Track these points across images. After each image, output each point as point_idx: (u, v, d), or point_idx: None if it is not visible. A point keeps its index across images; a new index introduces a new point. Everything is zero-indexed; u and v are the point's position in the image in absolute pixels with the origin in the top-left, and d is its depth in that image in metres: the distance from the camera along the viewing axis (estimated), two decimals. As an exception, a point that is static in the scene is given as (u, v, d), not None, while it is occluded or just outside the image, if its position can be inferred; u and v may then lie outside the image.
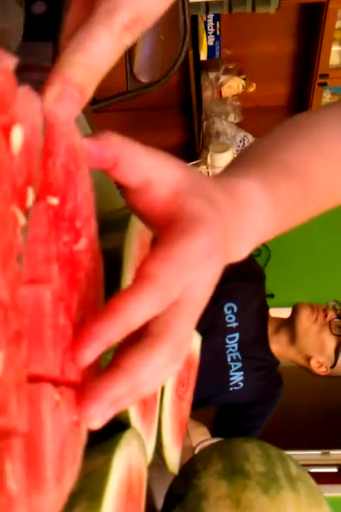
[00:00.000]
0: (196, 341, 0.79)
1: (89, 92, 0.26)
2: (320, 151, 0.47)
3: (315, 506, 0.62)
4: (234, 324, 1.55)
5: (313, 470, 2.93)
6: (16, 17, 0.37)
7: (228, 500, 0.59)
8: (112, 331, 0.28)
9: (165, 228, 0.32)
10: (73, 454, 0.29)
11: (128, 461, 0.46)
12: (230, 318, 1.55)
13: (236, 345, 1.55)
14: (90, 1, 0.26)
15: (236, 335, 1.55)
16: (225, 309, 1.55)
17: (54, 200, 0.27)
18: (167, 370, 0.31)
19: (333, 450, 3.22)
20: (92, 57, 0.25)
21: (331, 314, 1.51)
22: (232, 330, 1.55)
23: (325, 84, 2.39)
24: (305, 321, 1.51)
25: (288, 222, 0.45)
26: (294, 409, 3.05)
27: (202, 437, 1.23)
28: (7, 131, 0.23)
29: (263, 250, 2.76)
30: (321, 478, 1.57)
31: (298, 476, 0.64)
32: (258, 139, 0.49)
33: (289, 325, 1.56)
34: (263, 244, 2.73)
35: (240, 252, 0.39)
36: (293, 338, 1.54)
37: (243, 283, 1.57)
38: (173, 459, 0.69)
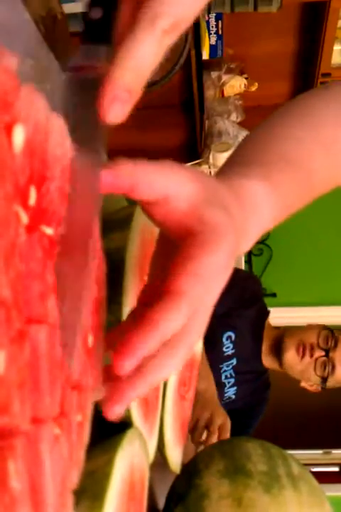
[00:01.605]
0: (198, 343, 0.79)
1: (138, 92, 0.30)
2: (319, 140, 0.47)
3: (316, 505, 0.61)
4: (231, 352, 1.56)
5: (315, 469, 2.93)
6: (57, 77, 0.39)
7: (230, 499, 0.59)
8: (150, 343, 0.31)
9: (183, 238, 0.34)
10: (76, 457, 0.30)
11: (130, 460, 0.46)
12: (228, 347, 1.56)
13: (231, 368, 1.57)
14: (137, 8, 0.29)
15: (233, 360, 1.57)
16: (224, 339, 1.55)
17: (48, 230, 0.27)
18: (178, 367, 0.34)
19: (335, 449, 3.22)
20: (139, 61, 0.29)
21: (318, 353, 1.49)
22: (229, 357, 1.56)
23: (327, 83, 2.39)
24: (290, 360, 1.52)
25: (288, 212, 0.46)
26: (295, 408, 3.05)
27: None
28: (9, 130, 0.23)
29: (265, 250, 2.75)
30: (322, 478, 1.57)
31: (300, 475, 0.64)
32: (258, 128, 0.49)
33: (277, 354, 1.56)
34: (265, 244, 2.73)
35: (244, 249, 0.40)
36: (280, 366, 1.56)
37: (242, 310, 1.57)
38: (175, 458, 0.69)
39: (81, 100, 0.30)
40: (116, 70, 0.29)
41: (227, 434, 1.15)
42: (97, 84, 0.29)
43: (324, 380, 1.49)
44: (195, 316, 0.34)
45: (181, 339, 0.33)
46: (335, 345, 1.49)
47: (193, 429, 1.14)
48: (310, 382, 1.55)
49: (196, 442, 1.14)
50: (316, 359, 1.49)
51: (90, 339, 0.34)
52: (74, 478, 0.30)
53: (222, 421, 1.16)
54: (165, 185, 0.33)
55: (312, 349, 1.50)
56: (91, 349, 0.34)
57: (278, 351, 1.56)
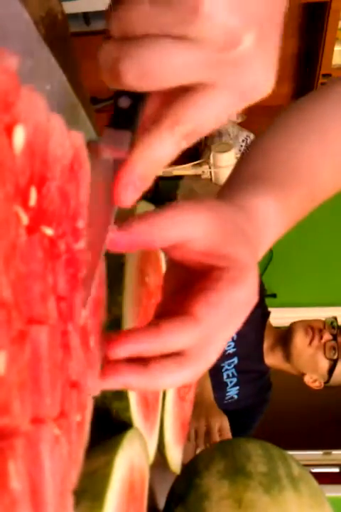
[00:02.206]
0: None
1: (150, 181, 0.32)
2: (324, 149, 0.47)
3: (317, 506, 0.61)
4: (232, 350, 1.56)
5: (315, 470, 2.93)
6: (57, 78, 0.40)
7: (230, 500, 0.59)
8: (151, 344, 0.32)
9: (205, 273, 0.35)
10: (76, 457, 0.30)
11: (130, 461, 0.46)
12: (229, 345, 1.56)
13: (233, 366, 1.57)
14: (164, 104, 0.32)
15: (235, 359, 1.57)
16: None
17: (48, 231, 0.27)
18: (181, 382, 0.34)
19: (335, 450, 3.22)
20: (156, 157, 0.31)
21: (326, 336, 1.50)
22: (230, 356, 1.56)
23: (327, 84, 2.39)
24: (300, 343, 1.52)
25: (293, 223, 0.46)
26: (296, 409, 3.05)
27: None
28: (10, 130, 0.23)
29: (266, 250, 2.74)
30: (323, 479, 1.57)
31: (300, 476, 0.64)
32: (262, 139, 0.49)
33: (284, 344, 1.56)
34: (266, 244, 2.72)
35: (262, 251, 0.42)
36: (287, 357, 1.56)
37: None
38: (175, 458, 0.69)
39: (95, 177, 0.32)
40: (135, 159, 0.31)
41: (228, 435, 1.15)
42: (115, 166, 0.32)
43: (333, 365, 1.49)
44: (209, 344, 0.34)
45: (188, 361, 0.34)
46: None
47: (195, 440, 1.15)
48: (315, 375, 1.54)
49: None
50: (325, 343, 1.49)
51: (92, 340, 0.34)
52: (73, 479, 0.30)
53: (220, 423, 1.16)
54: (180, 232, 0.34)
55: (320, 331, 1.51)
56: (92, 350, 0.34)
57: (285, 341, 1.55)
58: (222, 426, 1.16)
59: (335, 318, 1.55)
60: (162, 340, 0.32)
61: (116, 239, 0.32)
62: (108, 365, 0.32)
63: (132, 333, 0.32)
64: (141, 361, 0.33)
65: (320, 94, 0.53)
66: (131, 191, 0.31)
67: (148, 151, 0.31)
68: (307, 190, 0.45)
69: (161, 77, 0.29)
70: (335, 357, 1.49)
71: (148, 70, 0.28)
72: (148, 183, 0.32)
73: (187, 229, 0.34)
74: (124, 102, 0.32)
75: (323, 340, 1.50)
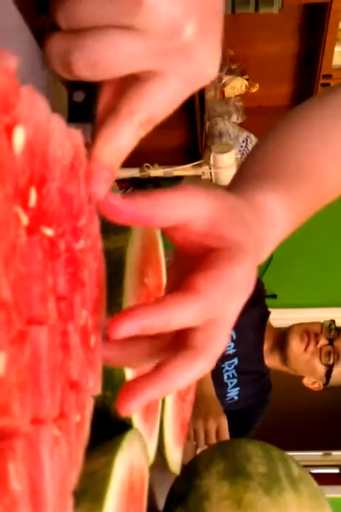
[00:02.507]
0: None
1: (117, 170, 0.34)
2: (328, 151, 0.48)
3: (316, 507, 0.61)
4: (232, 351, 1.56)
5: (315, 471, 2.93)
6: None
7: (230, 500, 0.59)
8: (152, 320, 0.31)
9: (203, 256, 0.35)
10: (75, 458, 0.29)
11: (130, 461, 0.46)
12: (229, 345, 1.55)
13: (233, 367, 1.57)
14: (117, 94, 0.33)
15: (235, 360, 1.56)
16: None
17: (48, 231, 0.27)
18: (199, 374, 0.34)
19: (334, 451, 3.22)
20: (118, 146, 0.33)
21: (322, 341, 1.49)
22: (230, 356, 1.56)
23: (328, 84, 2.39)
24: (295, 349, 1.51)
25: (300, 222, 0.47)
26: (296, 410, 3.05)
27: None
28: (10, 131, 0.23)
29: (266, 251, 2.74)
30: (322, 479, 1.57)
31: (300, 477, 0.64)
32: (266, 140, 0.50)
33: (281, 348, 1.56)
34: (266, 245, 2.72)
35: (262, 260, 0.41)
36: (284, 361, 1.56)
37: (244, 309, 1.56)
38: (175, 459, 0.69)
39: None
40: (99, 152, 0.33)
41: (225, 436, 1.15)
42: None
43: (329, 370, 1.49)
44: (215, 328, 0.34)
45: (201, 352, 0.33)
46: (339, 335, 1.50)
47: (194, 440, 1.14)
48: (313, 378, 1.55)
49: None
50: (321, 348, 1.49)
51: (92, 339, 0.34)
52: (73, 480, 0.30)
53: (217, 424, 1.16)
54: (181, 212, 0.34)
55: (316, 336, 1.50)
56: (92, 349, 0.34)
57: (281, 345, 1.55)
58: (219, 427, 1.16)
59: (333, 321, 1.54)
60: (165, 314, 0.31)
61: (119, 207, 0.32)
62: (126, 391, 0.32)
63: (134, 310, 0.31)
64: (152, 371, 0.32)
65: (319, 98, 0.54)
66: (103, 183, 0.33)
67: (110, 143, 0.33)
68: (313, 189, 0.46)
69: (111, 66, 0.30)
70: (331, 362, 1.48)
71: (97, 59, 0.30)
72: (115, 174, 0.34)
73: (188, 209, 0.34)
74: (79, 96, 0.33)
75: (319, 346, 1.49)
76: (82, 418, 0.33)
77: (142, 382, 0.32)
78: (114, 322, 0.31)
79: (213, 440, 1.13)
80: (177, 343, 0.35)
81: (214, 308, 0.33)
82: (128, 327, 0.31)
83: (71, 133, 0.29)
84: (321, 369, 1.50)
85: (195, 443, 1.16)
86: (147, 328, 0.31)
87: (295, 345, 1.51)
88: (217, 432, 1.15)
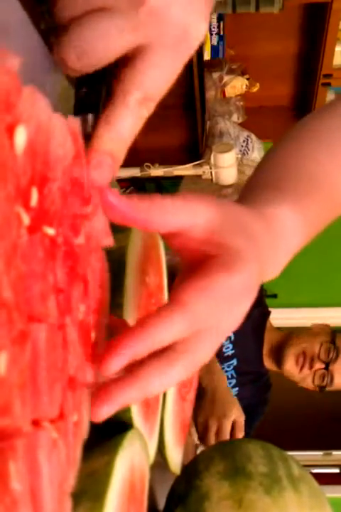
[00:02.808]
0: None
1: (121, 157, 0.33)
2: (336, 162, 0.48)
3: (317, 507, 0.61)
4: (231, 352, 1.56)
5: (315, 470, 2.93)
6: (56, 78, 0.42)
7: (230, 500, 0.59)
8: (140, 345, 0.31)
9: (200, 263, 0.34)
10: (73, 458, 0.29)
11: (130, 461, 0.46)
12: (227, 347, 1.55)
13: (232, 368, 1.57)
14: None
15: (234, 361, 1.56)
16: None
17: (50, 231, 0.27)
18: (175, 380, 0.33)
19: (335, 451, 3.22)
20: (118, 132, 0.32)
21: (317, 365, 1.48)
22: (229, 358, 1.56)
23: (328, 84, 2.38)
24: (289, 368, 1.52)
25: (313, 234, 0.47)
26: (296, 409, 3.05)
27: None
28: (11, 131, 0.23)
29: (266, 250, 2.74)
30: (323, 479, 1.57)
31: (300, 476, 0.64)
32: (275, 151, 0.50)
33: (277, 362, 1.56)
34: (266, 245, 2.72)
35: (272, 274, 0.41)
36: (281, 370, 1.56)
37: None
38: (175, 459, 0.69)
39: None
40: (98, 140, 0.32)
41: (241, 433, 1.13)
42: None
43: (321, 389, 1.50)
44: (200, 337, 0.33)
45: (179, 357, 0.33)
46: (336, 357, 1.48)
47: (203, 431, 1.13)
48: (309, 386, 1.56)
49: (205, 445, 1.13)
50: (315, 371, 1.48)
51: (93, 335, 0.34)
52: (71, 481, 0.30)
53: (236, 417, 1.14)
54: (179, 219, 0.34)
55: (312, 360, 1.49)
56: (93, 346, 0.34)
57: (277, 357, 1.56)
58: (237, 421, 1.14)
59: (334, 344, 1.51)
60: (149, 337, 0.31)
61: (117, 205, 0.32)
62: (98, 394, 0.31)
63: (118, 343, 0.30)
64: (127, 374, 0.32)
65: (325, 110, 0.54)
66: (104, 169, 0.32)
67: (109, 129, 0.32)
68: (325, 200, 0.46)
69: (98, 52, 0.31)
70: (324, 384, 1.48)
71: (84, 49, 0.30)
72: (119, 160, 0.33)
73: (186, 217, 0.34)
74: (82, 91, 0.34)
75: (313, 369, 1.49)
76: (80, 417, 0.33)
77: (115, 387, 0.31)
78: (103, 361, 0.30)
79: (227, 433, 1.12)
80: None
81: (201, 321, 0.33)
82: (116, 363, 0.30)
83: (68, 120, 0.29)
84: (314, 388, 1.51)
85: (197, 442, 1.15)
86: (135, 356, 0.31)
87: (290, 366, 1.51)
88: (232, 428, 1.13)
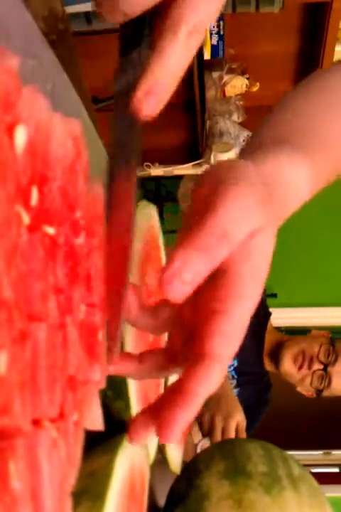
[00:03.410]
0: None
1: (171, 90, 0.33)
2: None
3: (317, 506, 0.61)
4: None
5: (315, 470, 2.93)
6: (58, 78, 0.41)
7: (230, 500, 0.59)
8: (190, 412, 0.32)
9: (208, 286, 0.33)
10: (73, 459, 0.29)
11: (130, 460, 0.46)
12: None
13: (232, 369, 1.57)
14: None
15: (234, 361, 1.57)
16: None
17: (50, 230, 0.27)
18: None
19: (335, 450, 3.22)
20: (170, 63, 0.32)
21: (316, 366, 1.49)
22: None
23: (328, 83, 2.38)
24: (288, 368, 1.53)
25: (322, 184, 0.45)
26: (296, 409, 3.05)
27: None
28: (11, 130, 0.23)
29: (266, 250, 2.74)
30: (323, 479, 1.57)
31: (300, 476, 0.64)
32: (281, 106, 0.48)
33: (275, 362, 1.57)
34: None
35: (281, 220, 0.40)
36: (279, 372, 1.57)
37: None
38: (175, 458, 0.69)
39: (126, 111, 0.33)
40: (150, 72, 0.32)
41: (243, 434, 1.15)
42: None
43: (318, 393, 1.50)
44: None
45: (217, 350, 0.33)
46: (335, 360, 1.48)
47: (209, 430, 1.14)
48: (306, 389, 1.56)
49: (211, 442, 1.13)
50: (314, 372, 1.48)
51: (100, 335, 0.34)
52: (71, 481, 0.30)
53: (240, 419, 1.15)
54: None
55: (311, 361, 1.50)
56: (99, 344, 0.34)
57: (276, 358, 1.56)
58: (240, 424, 1.15)
59: (333, 346, 1.51)
60: (198, 401, 0.32)
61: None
62: (160, 424, 0.32)
63: (175, 414, 0.31)
64: (176, 393, 0.32)
65: (326, 70, 0.53)
66: (152, 100, 0.32)
67: (161, 62, 0.32)
68: (333, 156, 0.45)
69: None
70: (321, 387, 1.48)
71: None
72: (168, 92, 0.33)
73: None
74: (128, 30, 0.34)
75: (312, 370, 1.49)
76: (80, 416, 0.33)
77: (171, 409, 0.32)
78: (162, 433, 0.31)
79: (232, 432, 1.13)
80: (188, 350, 0.35)
81: (227, 362, 0.33)
82: (176, 435, 0.31)
83: (69, 120, 0.29)
84: (311, 390, 1.51)
85: (197, 441, 1.16)
86: (190, 421, 0.32)
87: (288, 365, 1.52)
88: (236, 430, 1.15)
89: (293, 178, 0.39)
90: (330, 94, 0.48)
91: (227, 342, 0.33)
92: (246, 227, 0.33)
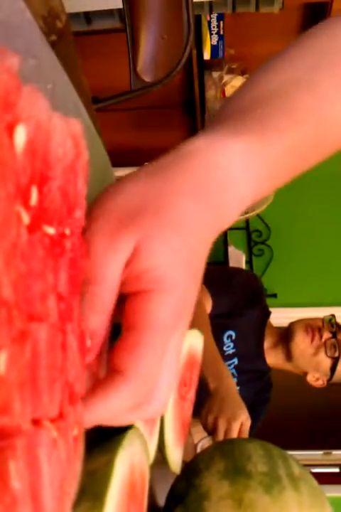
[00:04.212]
0: (198, 341, 0.79)
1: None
2: (337, 84, 0.38)
3: (317, 506, 0.61)
4: (232, 351, 1.56)
5: (315, 470, 2.93)
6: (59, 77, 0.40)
7: (230, 500, 0.59)
8: (92, 422, 0.31)
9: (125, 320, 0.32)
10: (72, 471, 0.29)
11: (130, 460, 0.46)
12: (228, 346, 1.56)
13: (233, 367, 1.57)
14: None
15: (235, 360, 1.57)
16: (225, 338, 1.55)
17: (50, 230, 0.27)
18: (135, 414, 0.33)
19: (335, 450, 3.23)
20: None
21: (326, 334, 1.52)
22: (230, 356, 1.56)
23: (328, 84, 2.39)
24: (301, 343, 1.53)
25: (298, 169, 0.39)
26: (296, 409, 3.06)
27: (202, 434, 1.23)
28: (11, 130, 0.23)
29: (266, 250, 2.76)
30: (323, 478, 1.57)
31: (300, 476, 0.64)
32: (263, 67, 0.41)
33: (285, 344, 1.57)
34: (266, 245, 2.73)
35: (228, 222, 0.35)
36: (289, 357, 1.57)
37: (244, 310, 1.57)
38: (175, 458, 0.69)
39: None
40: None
41: (246, 435, 1.15)
42: None
43: (335, 363, 1.50)
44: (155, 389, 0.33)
45: (129, 368, 0.31)
46: (340, 329, 1.53)
47: (212, 430, 1.14)
48: (318, 374, 1.56)
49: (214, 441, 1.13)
50: (325, 341, 1.51)
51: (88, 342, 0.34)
52: (71, 483, 0.30)
53: (244, 419, 1.15)
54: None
55: (320, 330, 1.53)
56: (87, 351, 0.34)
57: (286, 341, 1.56)
58: (244, 424, 1.15)
59: (333, 315, 1.56)
60: (101, 416, 0.31)
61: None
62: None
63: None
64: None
65: (310, 33, 0.43)
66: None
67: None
68: (309, 131, 0.37)
69: None
70: (336, 355, 1.50)
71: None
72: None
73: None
74: None
75: (323, 339, 1.51)
76: (79, 431, 0.33)
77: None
78: None
79: (235, 432, 1.13)
80: None
81: (149, 379, 0.31)
82: None
83: (69, 120, 0.29)
84: (326, 363, 1.52)
85: (197, 441, 1.16)
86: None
87: (301, 339, 1.52)
88: (239, 431, 1.15)
89: (224, 168, 0.34)
90: (318, 54, 0.39)
91: (134, 357, 0.31)
92: (116, 263, 0.30)
